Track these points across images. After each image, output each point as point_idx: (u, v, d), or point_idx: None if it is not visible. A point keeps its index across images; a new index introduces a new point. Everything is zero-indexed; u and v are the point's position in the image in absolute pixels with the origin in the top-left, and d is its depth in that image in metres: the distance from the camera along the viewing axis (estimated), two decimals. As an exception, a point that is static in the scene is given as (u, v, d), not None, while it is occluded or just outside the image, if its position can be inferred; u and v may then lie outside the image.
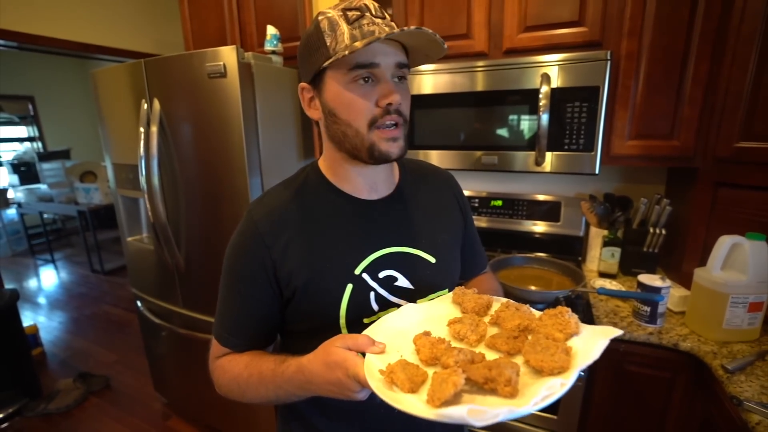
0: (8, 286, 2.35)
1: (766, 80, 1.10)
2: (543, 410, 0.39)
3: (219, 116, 1.43)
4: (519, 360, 0.48)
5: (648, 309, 1.20)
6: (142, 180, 1.60)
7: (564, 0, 1.32)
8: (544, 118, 1.31)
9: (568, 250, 1.71)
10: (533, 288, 1.38)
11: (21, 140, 5.47)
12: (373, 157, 0.61)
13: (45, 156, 5.14)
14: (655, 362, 1.18)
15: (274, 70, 1.57)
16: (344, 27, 0.56)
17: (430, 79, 1.49)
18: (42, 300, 3.75)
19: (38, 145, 5.59)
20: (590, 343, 0.47)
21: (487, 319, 0.59)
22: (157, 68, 1.52)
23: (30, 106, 5.39)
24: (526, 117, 1.39)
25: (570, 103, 1.31)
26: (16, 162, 5.07)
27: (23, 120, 5.36)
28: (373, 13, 0.57)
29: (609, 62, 1.24)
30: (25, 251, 5.12)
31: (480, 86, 1.42)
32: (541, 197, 1.75)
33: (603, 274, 1.57)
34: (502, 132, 1.44)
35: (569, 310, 0.53)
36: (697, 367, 1.11)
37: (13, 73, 5.01)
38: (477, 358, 0.49)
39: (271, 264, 0.63)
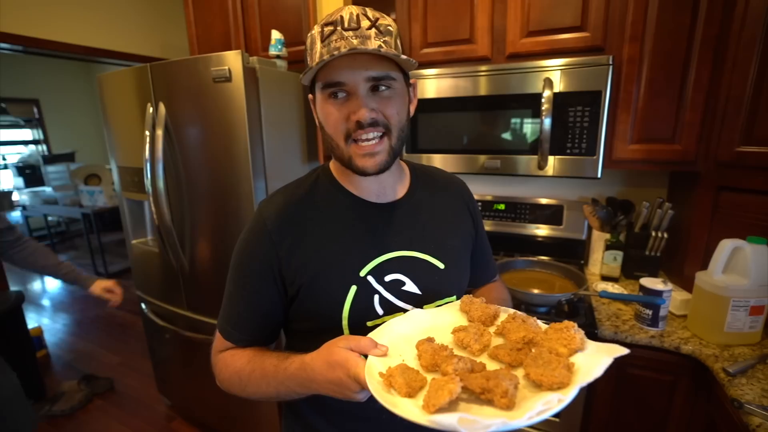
0: (13, 288, 2.36)
1: (767, 85, 1.10)
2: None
3: (224, 120, 1.45)
4: (520, 372, 0.48)
5: (650, 312, 1.20)
6: (148, 183, 1.62)
7: (566, 5, 1.33)
8: (547, 122, 1.32)
9: (570, 254, 1.71)
10: (536, 291, 1.39)
11: (26, 143, 5.52)
12: (353, 170, 0.62)
13: (50, 159, 5.18)
14: (657, 365, 1.19)
15: (279, 74, 1.58)
16: (318, 45, 0.58)
17: (433, 83, 1.51)
18: (46, 302, 3.77)
19: (43, 147, 5.63)
20: (593, 361, 0.46)
21: (492, 329, 0.59)
22: (163, 72, 1.54)
23: (35, 109, 5.43)
24: (529, 121, 1.40)
25: (572, 108, 1.32)
26: (21, 165, 5.11)
27: (28, 123, 5.40)
28: (346, 25, 0.56)
29: (611, 67, 1.26)
30: (30, 253, 5.14)
31: (483, 90, 1.44)
32: (543, 201, 1.76)
33: (605, 278, 1.58)
34: (505, 136, 1.45)
35: (575, 325, 0.52)
36: (699, 371, 1.12)
37: (19, 77, 5.05)
38: (477, 367, 0.49)
39: (277, 261, 0.64)
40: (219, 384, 0.70)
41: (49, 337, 2.99)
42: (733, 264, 1.13)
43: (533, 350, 0.51)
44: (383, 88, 0.60)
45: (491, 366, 0.51)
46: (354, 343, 0.52)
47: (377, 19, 0.58)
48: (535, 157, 1.40)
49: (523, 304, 1.34)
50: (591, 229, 1.67)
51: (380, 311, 0.66)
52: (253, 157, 1.45)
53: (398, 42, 0.62)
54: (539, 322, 0.57)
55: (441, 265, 0.71)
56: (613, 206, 1.61)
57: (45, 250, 1.58)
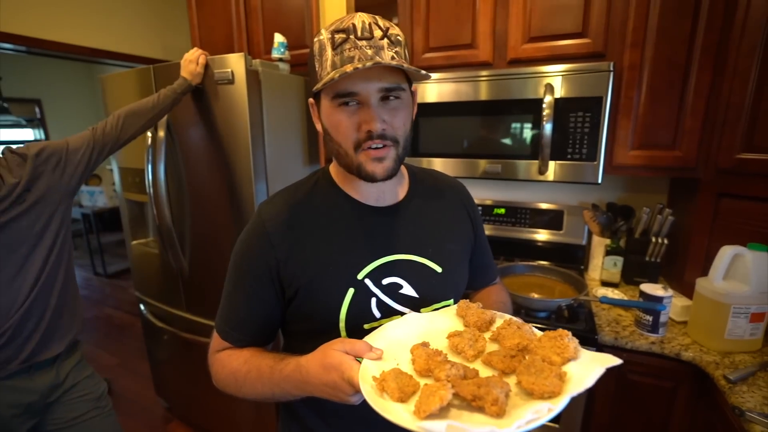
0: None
1: (767, 93, 1.11)
2: None
3: (226, 122, 1.45)
4: (513, 380, 0.48)
5: (650, 318, 1.20)
6: (149, 184, 1.62)
7: (567, 12, 1.34)
8: (548, 127, 1.32)
9: (570, 259, 1.71)
10: (536, 296, 1.38)
11: (28, 143, 5.53)
12: (361, 176, 0.63)
13: (50, 159, 5.17)
14: (658, 372, 1.18)
15: (281, 77, 1.59)
16: (329, 53, 0.57)
17: (434, 88, 1.51)
18: (44, 302, 3.76)
19: (43, 147, 5.63)
20: (586, 370, 0.46)
21: (488, 335, 0.59)
22: (166, 74, 1.54)
23: (37, 109, 5.44)
24: (530, 126, 1.40)
25: (573, 113, 1.33)
26: (21, 164, 5.10)
27: (30, 123, 5.40)
28: (359, 34, 0.56)
29: (612, 73, 1.26)
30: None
31: (484, 95, 1.44)
32: (543, 206, 1.76)
33: (605, 283, 1.58)
34: (506, 141, 1.45)
35: (569, 334, 0.52)
36: (700, 377, 1.11)
37: (21, 77, 5.06)
38: (470, 373, 0.49)
39: (275, 263, 0.65)
40: (215, 383, 0.70)
41: (46, 338, 2.97)
42: (734, 271, 1.12)
43: (527, 358, 0.51)
44: (393, 98, 0.60)
45: (484, 372, 0.51)
46: (349, 346, 0.53)
47: (388, 29, 0.58)
48: (536, 162, 1.40)
49: (523, 309, 1.34)
50: (591, 234, 1.67)
51: (377, 314, 0.66)
52: (255, 160, 1.46)
53: (406, 51, 0.62)
54: (535, 329, 0.57)
55: (439, 269, 0.71)
56: (613, 212, 1.61)
57: (130, 111, 1.29)
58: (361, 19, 0.57)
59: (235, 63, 1.38)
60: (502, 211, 1.82)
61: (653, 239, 1.48)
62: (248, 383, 0.64)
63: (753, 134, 1.15)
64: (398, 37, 0.60)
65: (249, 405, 1.72)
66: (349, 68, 0.53)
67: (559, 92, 1.33)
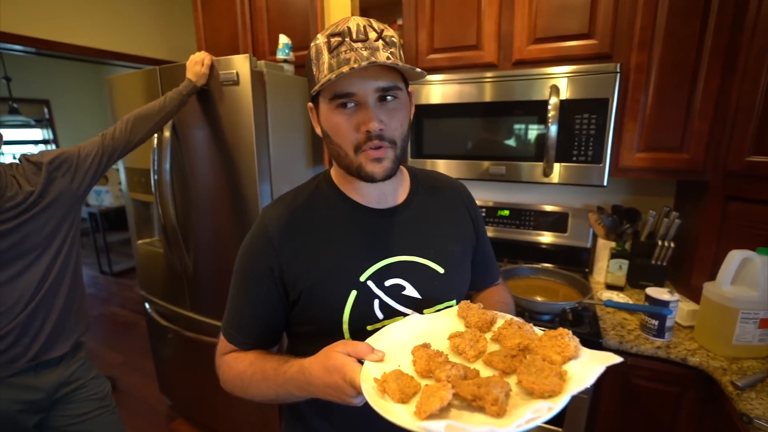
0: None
1: (778, 95, 1.09)
2: (548, 422, 0.38)
3: (231, 123, 1.46)
4: (513, 379, 0.48)
5: (656, 323, 1.19)
6: (154, 184, 1.63)
7: (573, 12, 1.33)
8: (553, 129, 1.31)
9: (574, 262, 1.70)
10: (539, 299, 1.37)
11: (36, 142, 5.59)
12: (361, 177, 0.63)
13: (58, 158, 5.23)
14: (663, 377, 1.17)
15: (286, 78, 1.59)
16: (325, 56, 0.58)
17: (438, 89, 1.51)
18: (51, 300, 3.80)
19: (53, 147, 5.71)
20: (586, 369, 0.46)
21: (489, 335, 0.59)
22: (172, 75, 1.55)
23: (45, 110, 5.51)
24: (535, 128, 1.39)
25: (579, 115, 1.31)
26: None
27: (39, 123, 5.47)
28: (354, 37, 0.57)
29: (618, 75, 1.25)
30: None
31: (489, 97, 1.43)
32: (548, 208, 1.75)
33: (610, 286, 1.56)
34: (511, 142, 1.44)
35: (569, 332, 0.52)
36: (707, 383, 1.10)
37: (31, 77, 5.13)
38: (470, 374, 0.49)
39: (278, 267, 0.65)
40: (223, 386, 0.71)
41: (53, 336, 3.00)
42: (743, 275, 1.11)
43: (527, 357, 0.51)
44: (390, 98, 0.61)
45: (485, 373, 0.51)
46: (351, 348, 0.53)
47: (382, 31, 0.59)
48: (541, 164, 1.39)
49: (527, 312, 1.33)
50: (596, 237, 1.65)
51: (380, 316, 0.67)
52: (259, 160, 1.46)
53: (401, 52, 0.63)
54: (535, 328, 0.57)
55: (441, 270, 0.72)
56: (618, 214, 1.59)
57: (139, 116, 1.32)
58: (356, 22, 0.58)
59: (240, 64, 1.39)
60: (506, 212, 1.81)
61: (659, 242, 1.46)
62: (254, 385, 0.65)
63: (763, 137, 1.13)
64: (393, 39, 0.60)
65: (252, 404, 1.72)
66: (345, 69, 0.54)
67: (565, 94, 1.32)
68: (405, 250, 0.70)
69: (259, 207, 1.47)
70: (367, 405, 0.47)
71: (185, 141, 1.58)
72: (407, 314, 0.66)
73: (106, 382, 1.30)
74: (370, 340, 0.56)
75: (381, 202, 0.71)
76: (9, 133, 5.17)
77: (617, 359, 0.46)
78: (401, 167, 0.76)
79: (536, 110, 1.37)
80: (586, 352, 0.50)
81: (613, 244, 1.56)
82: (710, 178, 1.28)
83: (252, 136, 1.43)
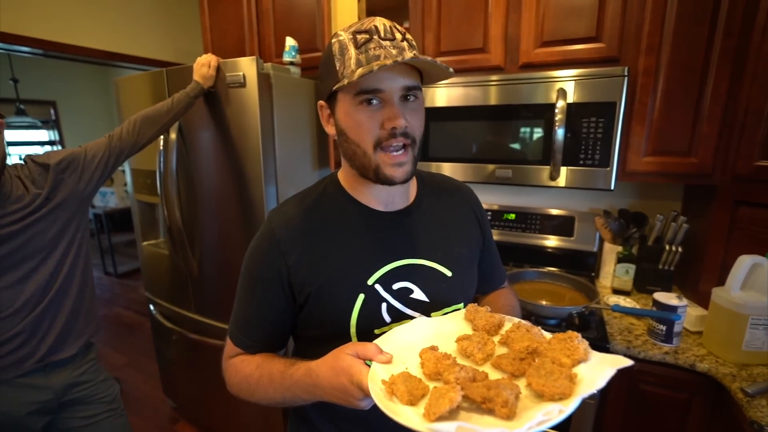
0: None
1: (788, 99, 1.09)
2: (554, 428, 0.38)
3: (237, 125, 1.46)
4: (523, 382, 0.48)
5: (664, 328, 1.18)
6: (160, 186, 1.63)
7: (581, 16, 1.33)
8: (560, 132, 1.31)
9: (581, 266, 1.69)
10: (545, 303, 1.37)
11: (42, 144, 5.63)
12: (379, 179, 0.63)
13: (64, 159, 5.26)
14: (671, 383, 1.16)
15: (292, 80, 1.60)
16: (352, 52, 0.58)
17: (444, 92, 1.50)
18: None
19: (59, 148, 5.74)
20: (596, 372, 0.46)
21: (497, 338, 0.59)
22: (179, 77, 1.56)
23: (52, 111, 5.55)
24: (541, 131, 1.39)
25: (586, 119, 1.31)
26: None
27: (45, 124, 5.51)
28: (382, 35, 0.58)
29: (626, 78, 1.24)
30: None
31: (495, 100, 1.43)
32: (554, 211, 1.74)
33: (617, 291, 1.55)
34: (517, 146, 1.44)
35: (579, 335, 0.51)
36: (715, 390, 1.09)
37: (38, 79, 5.17)
38: (479, 376, 0.49)
39: (285, 270, 0.65)
40: (229, 389, 0.70)
41: (57, 336, 3.01)
42: (752, 281, 1.10)
43: (536, 360, 0.51)
44: (412, 98, 0.61)
45: (494, 375, 0.50)
46: (360, 349, 0.53)
47: (405, 33, 0.61)
48: (547, 167, 1.39)
49: (533, 316, 1.32)
50: (602, 241, 1.64)
51: (388, 319, 0.67)
52: (265, 163, 1.46)
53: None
54: (543, 331, 0.57)
55: (448, 273, 0.71)
56: (625, 218, 1.58)
57: (146, 117, 1.31)
58: (382, 22, 0.59)
59: (247, 66, 1.39)
60: (512, 216, 1.81)
61: (667, 247, 1.45)
62: (260, 388, 0.64)
63: (772, 141, 1.12)
64: (413, 42, 0.62)
65: (256, 406, 1.70)
66: (388, 62, 0.55)
67: (572, 97, 1.31)
68: (412, 253, 0.69)
69: (264, 209, 1.47)
70: (373, 408, 0.47)
71: (191, 143, 1.59)
72: (415, 317, 0.66)
73: (115, 385, 1.29)
74: (377, 342, 0.55)
75: (389, 204, 0.71)
76: (15, 135, 5.21)
77: (628, 362, 0.46)
78: None
79: (543, 113, 1.36)
80: (596, 355, 0.50)
81: (619, 248, 1.55)
82: (718, 183, 1.27)
83: (258, 139, 1.43)
